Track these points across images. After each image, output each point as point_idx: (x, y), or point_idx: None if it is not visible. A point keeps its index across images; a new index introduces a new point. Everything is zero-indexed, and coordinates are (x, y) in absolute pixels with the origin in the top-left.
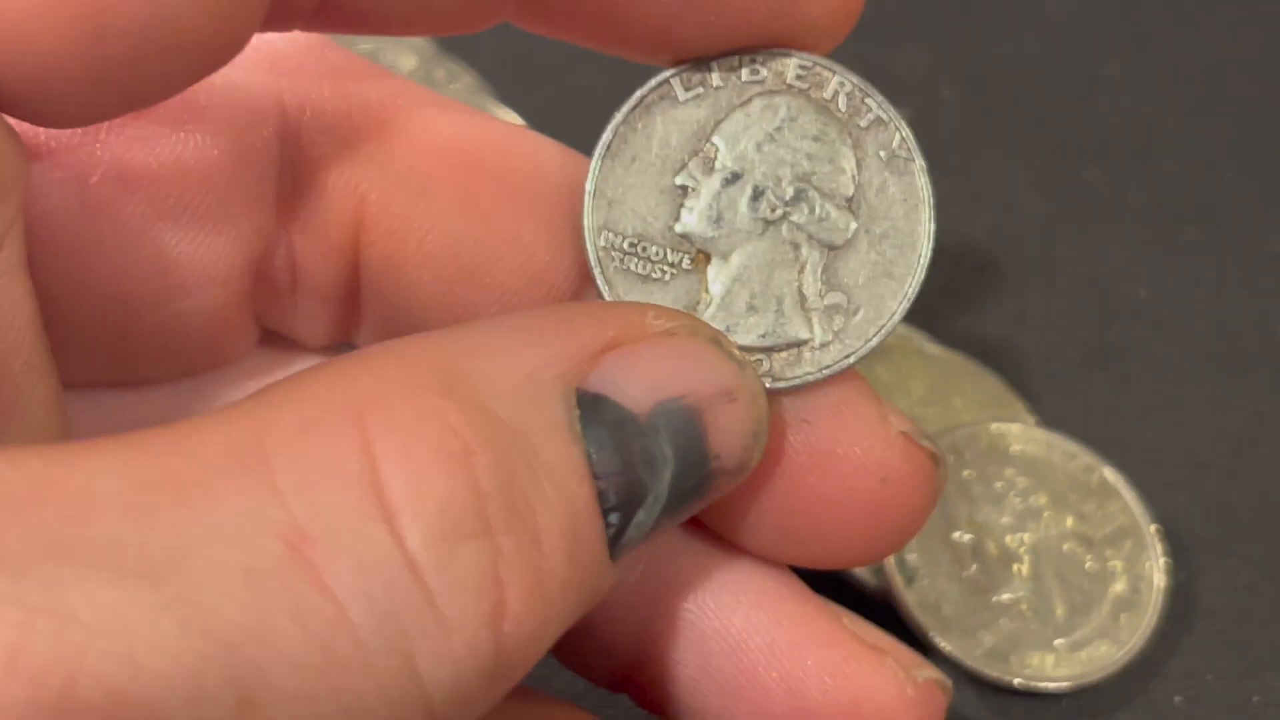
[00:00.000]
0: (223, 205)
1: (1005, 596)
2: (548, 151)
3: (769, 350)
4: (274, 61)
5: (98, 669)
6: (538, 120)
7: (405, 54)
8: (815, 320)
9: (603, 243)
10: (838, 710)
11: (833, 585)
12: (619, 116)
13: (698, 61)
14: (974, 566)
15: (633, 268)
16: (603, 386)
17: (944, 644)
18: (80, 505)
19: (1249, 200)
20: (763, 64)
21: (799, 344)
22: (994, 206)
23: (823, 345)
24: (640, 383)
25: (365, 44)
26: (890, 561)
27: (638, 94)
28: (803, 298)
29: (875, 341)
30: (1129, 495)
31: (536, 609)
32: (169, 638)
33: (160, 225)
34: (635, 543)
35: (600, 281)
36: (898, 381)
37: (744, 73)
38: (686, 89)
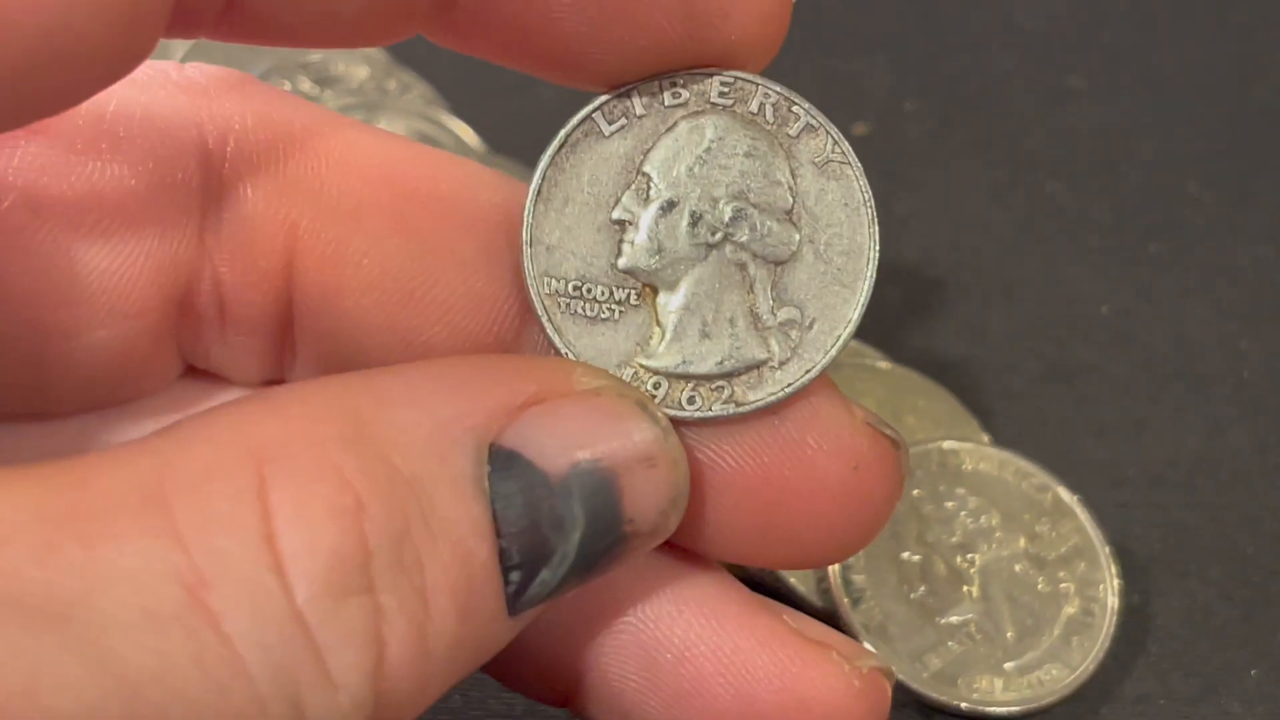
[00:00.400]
0: (138, 236)
1: (954, 618)
2: (480, 175)
3: (729, 376)
4: (196, 96)
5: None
6: (492, 134)
7: (357, 64)
8: (772, 338)
9: (546, 289)
10: (787, 710)
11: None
12: (545, 160)
13: (619, 91)
14: (922, 587)
15: (580, 311)
16: (518, 442)
17: (890, 666)
18: None
19: (1214, 215)
20: (684, 86)
21: (758, 365)
22: (954, 220)
23: (782, 363)
24: (557, 441)
25: (316, 55)
26: (836, 581)
27: (561, 134)
28: (756, 317)
29: (834, 352)
30: (1083, 515)
31: (417, 665)
32: (72, 676)
33: (72, 255)
34: (537, 600)
35: (549, 330)
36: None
37: (666, 96)
38: (610, 121)
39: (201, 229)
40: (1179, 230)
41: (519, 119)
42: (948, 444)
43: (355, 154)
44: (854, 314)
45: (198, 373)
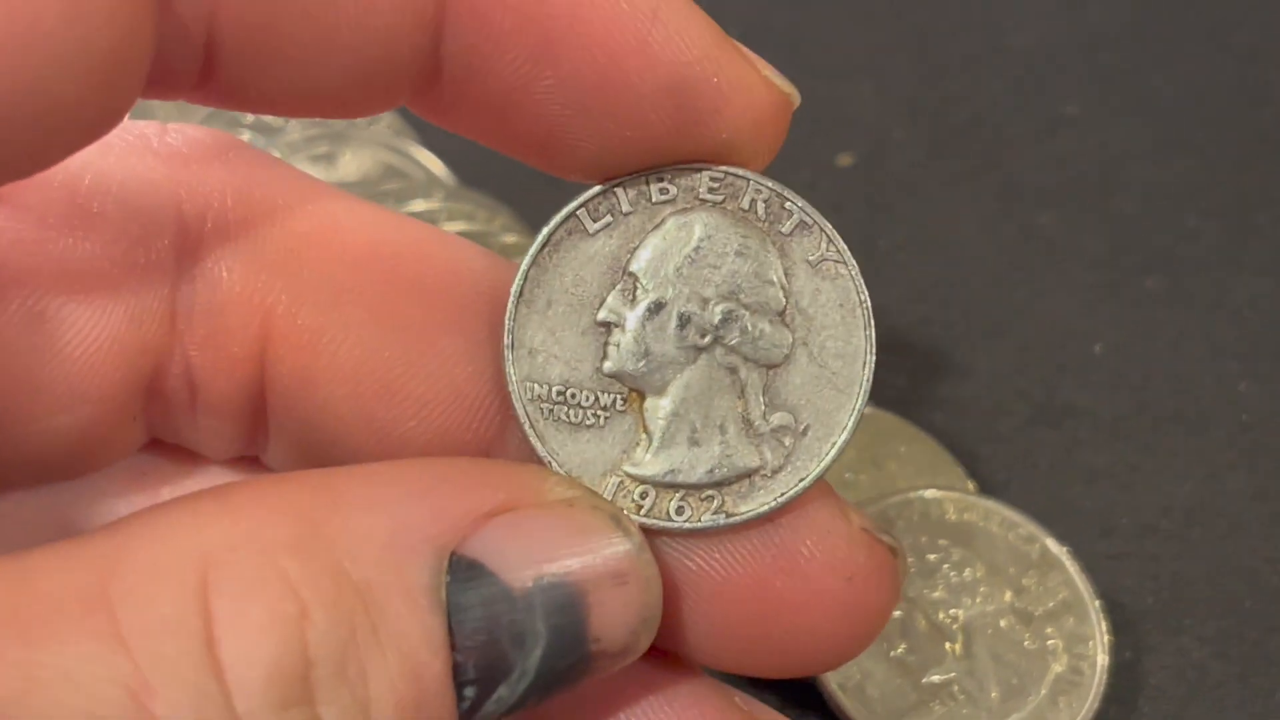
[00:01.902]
0: (106, 320)
1: (936, 677)
2: (467, 256)
3: (719, 485)
4: (175, 166)
5: None
6: (460, 166)
7: None
8: (764, 445)
9: (529, 395)
10: None
11: None
12: (527, 260)
13: (604, 187)
14: (902, 645)
15: (563, 417)
16: (480, 552)
17: None
18: None
19: (1212, 248)
20: (671, 181)
21: (750, 473)
22: (941, 253)
23: (774, 471)
24: (522, 553)
25: None
26: None
27: (544, 232)
28: (747, 423)
29: (829, 461)
30: (1072, 567)
31: None
32: None
33: (35, 339)
34: (493, 717)
35: (532, 438)
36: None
37: (654, 192)
38: (594, 219)
39: (173, 312)
40: (1176, 264)
41: (488, 151)
42: (930, 493)
43: (339, 234)
44: (849, 420)
45: (163, 443)
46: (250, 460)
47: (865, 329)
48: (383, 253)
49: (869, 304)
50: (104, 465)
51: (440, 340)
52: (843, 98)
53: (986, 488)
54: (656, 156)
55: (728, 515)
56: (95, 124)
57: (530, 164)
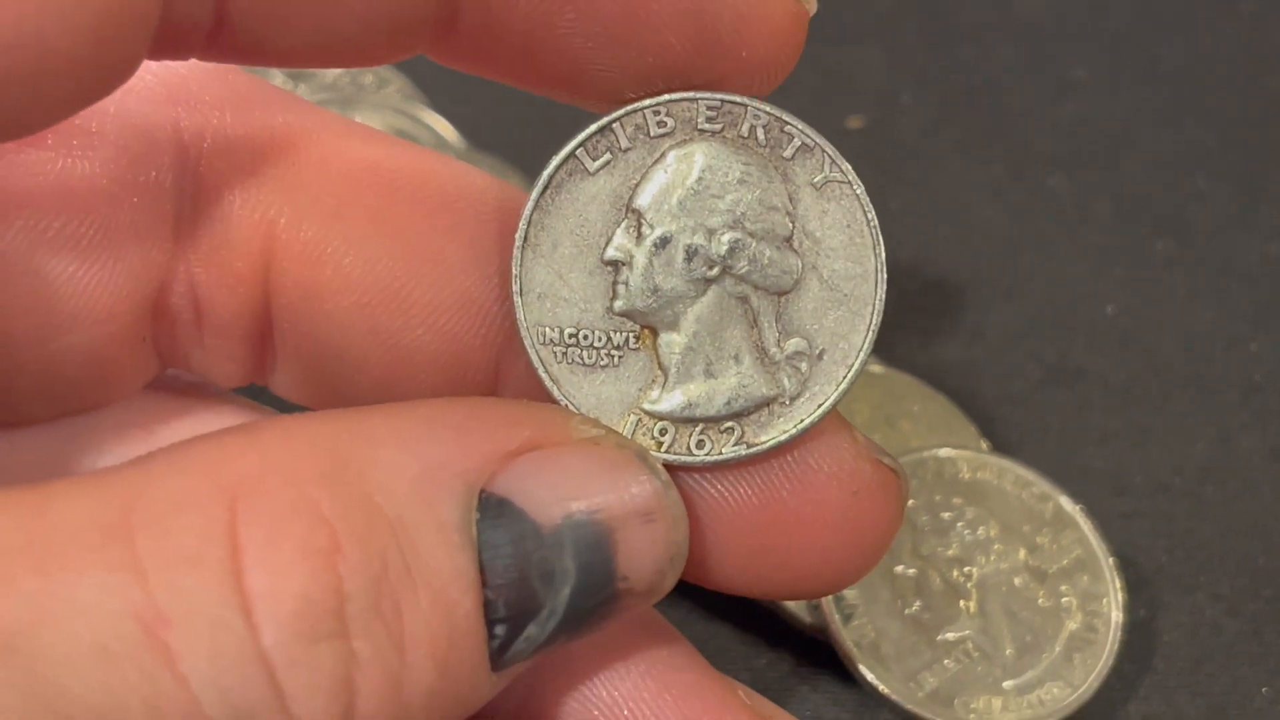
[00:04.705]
0: (108, 238)
1: (950, 635)
2: (468, 174)
3: (738, 416)
4: (173, 88)
5: None
6: (472, 129)
7: None
8: (780, 373)
9: (541, 340)
10: None
11: (767, 623)
12: (529, 204)
13: (600, 124)
14: (917, 603)
15: (577, 359)
16: (510, 490)
17: (883, 686)
18: None
19: (1223, 211)
20: (670, 113)
21: (768, 402)
22: (952, 217)
23: (792, 399)
24: (551, 490)
25: None
26: (827, 597)
27: (545, 174)
28: (762, 352)
29: (846, 384)
30: (1085, 525)
31: (390, 717)
32: (12, 711)
33: (39, 258)
34: (523, 656)
35: (547, 382)
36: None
37: (652, 126)
38: (594, 158)
39: (176, 229)
40: (1186, 227)
41: (499, 114)
42: (944, 452)
43: (338, 151)
44: (864, 342)
45: (172, 386)
46: (256, 408)
47: (875, 248)
48: (384, 167)
49: (876, 223)
50: (119, 396)
51: (446, 248)
52: (852, 61)
53: (1000, 449)
54: (680, 80)
55: (749, 446)
56: (99, 83)
57: (554, 98)
